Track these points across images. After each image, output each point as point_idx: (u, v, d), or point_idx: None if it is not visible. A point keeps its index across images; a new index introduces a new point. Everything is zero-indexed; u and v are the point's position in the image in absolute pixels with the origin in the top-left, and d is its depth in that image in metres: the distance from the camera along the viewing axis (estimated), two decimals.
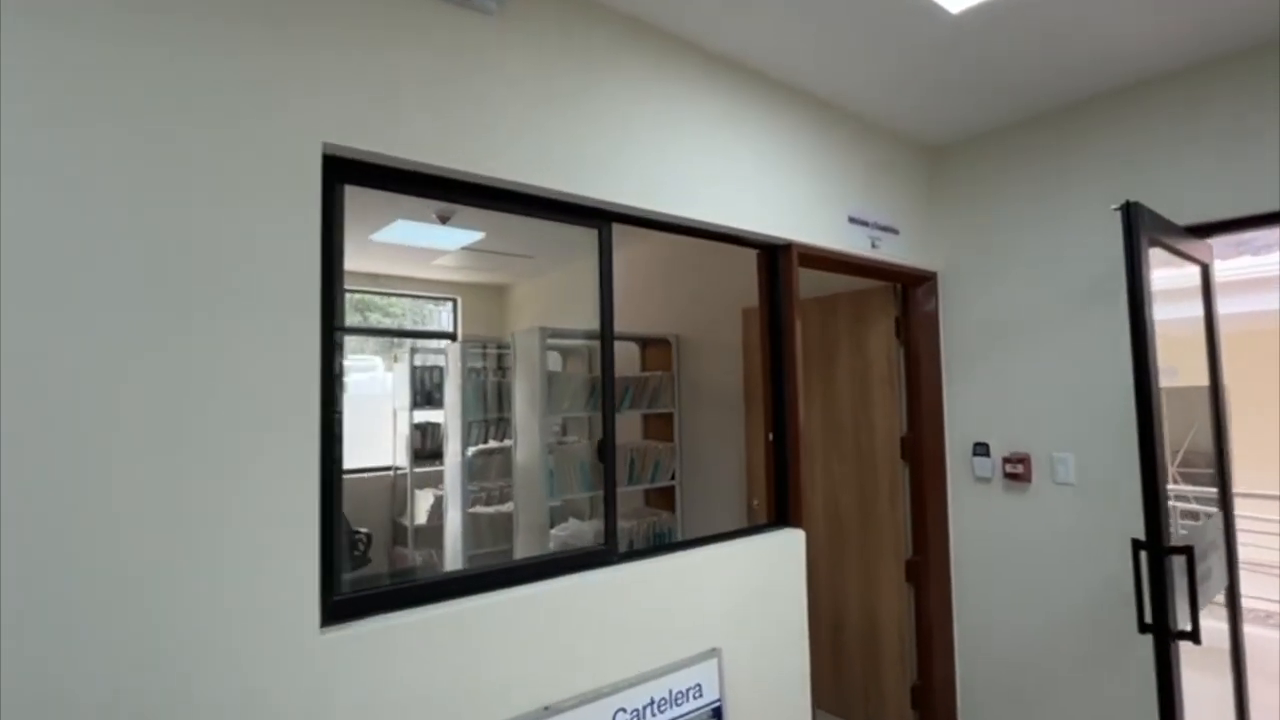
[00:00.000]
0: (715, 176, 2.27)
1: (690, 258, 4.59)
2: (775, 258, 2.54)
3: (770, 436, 2.51)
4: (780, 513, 2.49)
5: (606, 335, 2.08)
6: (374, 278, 6.02)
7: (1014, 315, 2.89)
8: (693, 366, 4.49)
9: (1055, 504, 2.77)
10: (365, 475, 5.89)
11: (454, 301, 6.60)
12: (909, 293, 3.23)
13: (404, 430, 5.77)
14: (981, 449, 2.99)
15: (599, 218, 2.05)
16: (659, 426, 4.73)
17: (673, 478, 4.52)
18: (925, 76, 2.49)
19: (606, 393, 2.08)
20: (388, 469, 5.97)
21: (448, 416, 5.06)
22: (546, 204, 1.93)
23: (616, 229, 2.09)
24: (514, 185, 1.82)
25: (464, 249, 5.05)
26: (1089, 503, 2.67)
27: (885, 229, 2.87)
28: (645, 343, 4.84)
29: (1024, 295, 2.86)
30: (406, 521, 5.69)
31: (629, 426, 5.23)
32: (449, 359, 5.09)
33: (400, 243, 4.69)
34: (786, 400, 2.47)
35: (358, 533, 5.18)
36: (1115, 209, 1.98)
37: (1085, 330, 2.67)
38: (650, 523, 4.41)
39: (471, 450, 4.96)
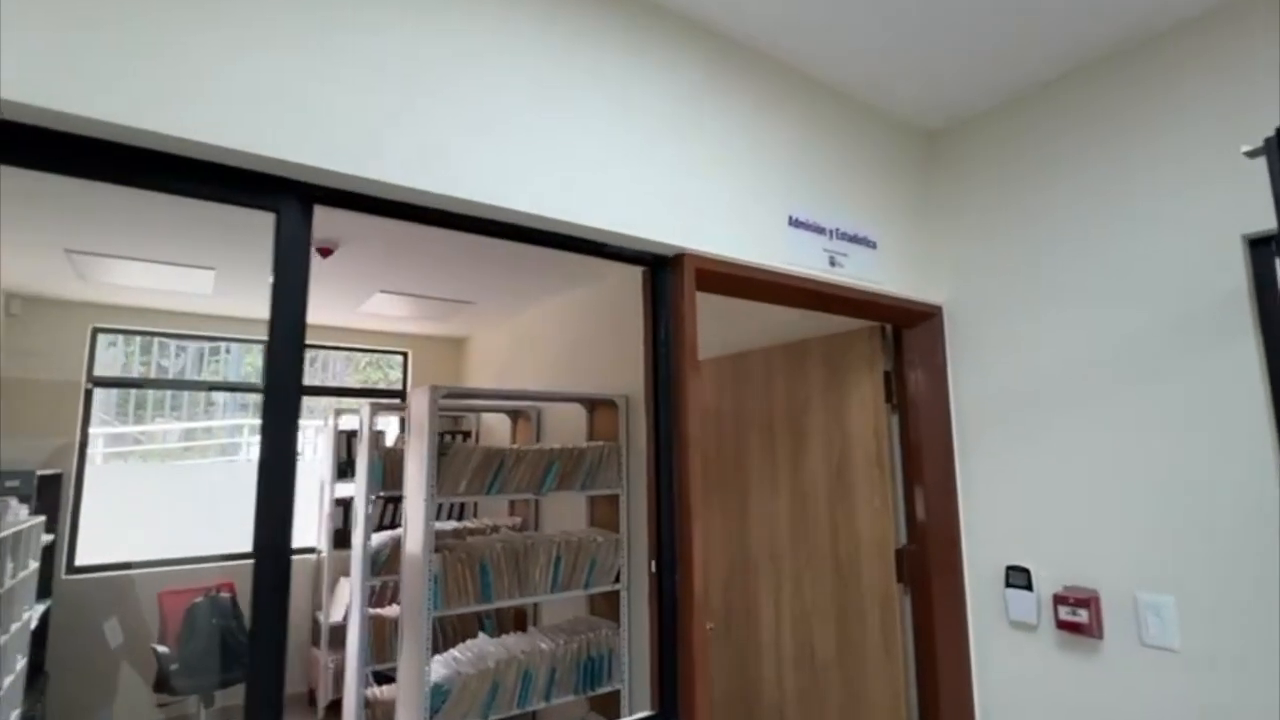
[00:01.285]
0: (554, 142, 1.39)
1: (636, 298, 3.68)
2: (659, 278, 1.61)
3: (653, 567, 1.53)
4: (665, 703, 1.47)
5: (279, 384, 1.17)
6: (328, 329, 5.27)
7: (1064, 367, 1.87)
8: (642, 433, 3.52)
9: (1145, 679, 1.67)
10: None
11: (404, 355, 5.81)
12: (902, 336, 2.24)
13: (328, 506, 4.91)
14: (1019, 577, 1.92)
15: (275, 193, 1.16)
16: (606, 511, 3.74)
17: (617, 579, 3.49)
18: (917, 18, 1.58)
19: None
20: (311, 550, 5.08)
21: (356, 492, 4.17)
22: (154, 163, 1.06)
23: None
24: (72, 126, 0.96)
25: (385, 293, 4.26)
26: (1205, 683, 1.57)
27: (853, 239, 1.92)
28: (593, 405, 3.90)
29: (1078, 335, 1.84)
30: (324, 617, 4.76)
31: (569, 511, 4.25)
32: (361, 422, 4.23)
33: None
34: (675, 513, 1.50)
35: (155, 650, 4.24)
36: (1249, 152, 1.00)
37: (1187, 386, 1.63)
38: (584, 642, 3.37)
39: (378, 536, 4.04)
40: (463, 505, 5.12)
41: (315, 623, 4.96)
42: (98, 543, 4.48)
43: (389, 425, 6.01)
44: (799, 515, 2.47)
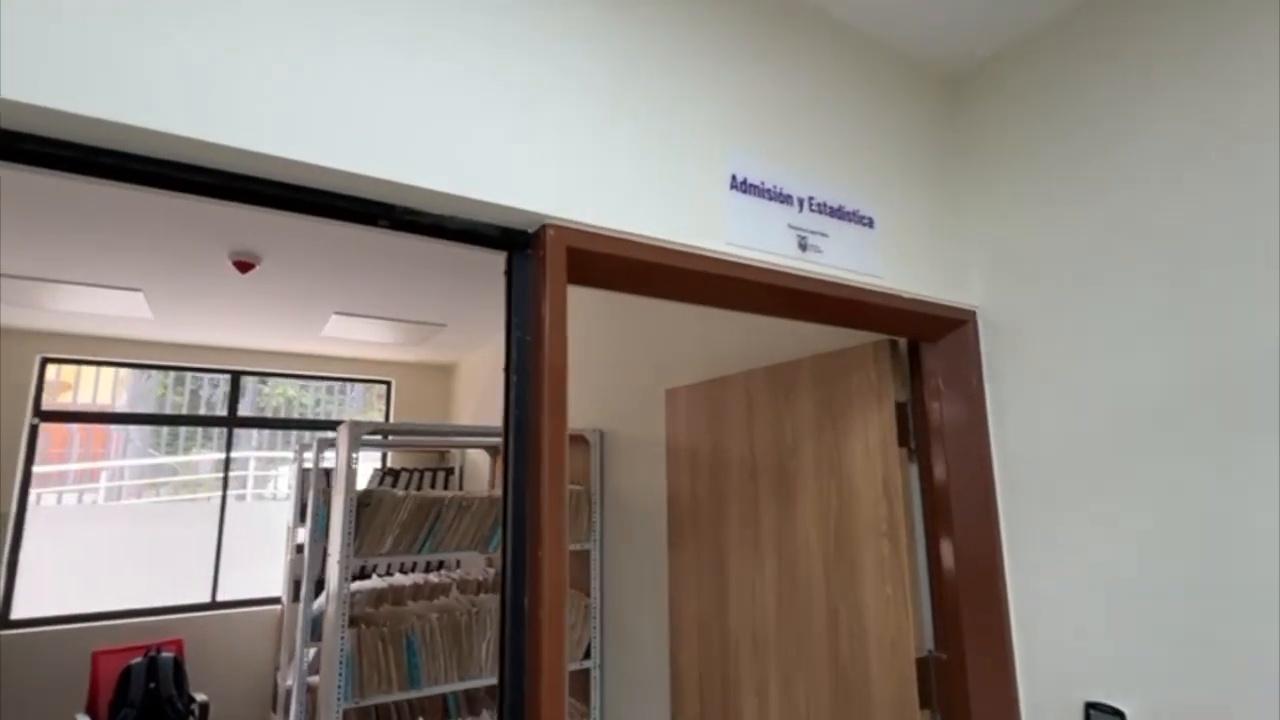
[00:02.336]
0: (336, 58, 0.86)
1: (619, 315, 3.14)
2: (514, 265, 1.04)
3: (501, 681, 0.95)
4: None
5: None
6: (280, 356, 4.89)
7: (1165, 396, 1.22)
8: (619, 476, 2.94)
9: None
10: (247, 609, 4.52)
11: (388, 385, 5.36)
12: (921, 354, 1.61)
13: (290, 553, 4.44)
14: None
15: None
16: (578, 570, 3.14)
17: (587, 655, 2.88)
18: None
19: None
20: (276, 601, 4.61)
21: (305, 538, 3.67)
22: None
23: None
24: None
25: (341, 315, 3.81)
26: None
27: (837, 214, 1.32)
28: (568, 441, 3.34)
29: (1187, 350, 1.19)
30: (281, 679, 4.26)
31: None
32: (312, 460, 3.74)
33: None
34: (527, 593, 0.93)
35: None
36: None
37: None
38: None
39: (319, 598, 3.52)
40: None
41: (276, 685, 4.47)
42: (40, 593, 4.10)
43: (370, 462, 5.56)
44: (788, 592, 1.84)
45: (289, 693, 4.20)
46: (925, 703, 1.50)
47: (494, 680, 2.65)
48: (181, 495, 9.59)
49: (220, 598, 4.49)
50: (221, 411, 4.85)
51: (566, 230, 1.02)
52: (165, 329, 4.11)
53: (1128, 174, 1.29)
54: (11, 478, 3.95)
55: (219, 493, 4.73)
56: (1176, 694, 1.15)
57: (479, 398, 4.87)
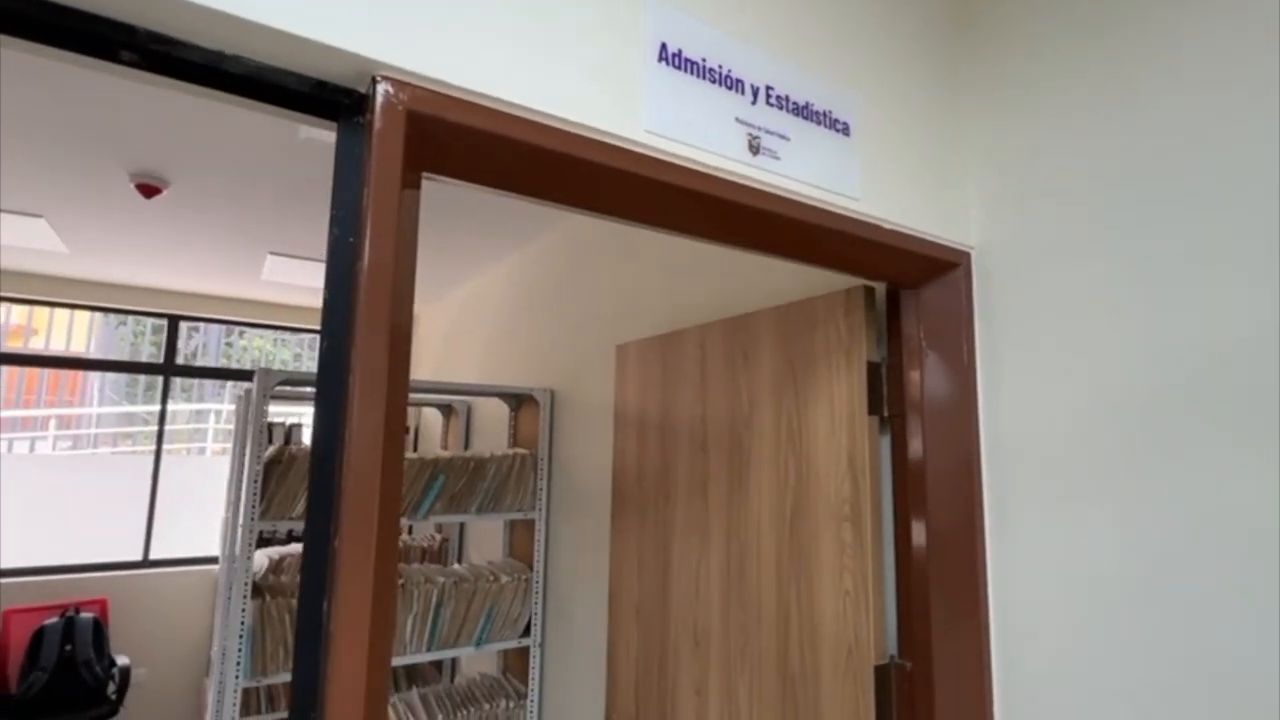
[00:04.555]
0: None
1: (577, 260, 2.86)
2: (342, 138, 0.74)
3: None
4: None
5: None
6: (221, 301, 4.55)
7: (1209, 366, 0.95)
8: (569, 439, 2.67)
9: None
10: (182, 569, 4.26)
11: None
12: (900, 304, 1.33)
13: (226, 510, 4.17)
14: None
15: None
16: (524, 540, 2.90)
17: (527, 632, 2.65)
18: None
19: None
20: (215, 560, 4.35)
21: (229, 500, 3.39)
22: None
23: None
24: None
25: (276, 255, 3.47)
26: None
27: (802, 112, 1.02)
28: (518, 401, 3.06)
29: (1246, 304, 0.92)
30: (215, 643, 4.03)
31: (489, 537, 3.43)
32: (240, 412, 3.44)
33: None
34: (327, 596, 0.65)
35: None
36: None
37: None
38: (477, 716, 2.53)
39: (268, 552, 3.27)
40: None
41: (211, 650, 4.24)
42: None
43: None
44: (736, 581, 1.59)
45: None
46: (884, 716, 1.26)
47: (417, 659, 2.42)
48: (141, 447, 9.24)
49: (154, 556, 4.22)
50: (182, 362, 4.53)
51: (410, 89, 0.72)
52: (86, 265, 3.75)
53: (1189, 79, 1.00)
54: None
55: (157, 446, 4.43)
56: None
57: (439, 354, 4.57)
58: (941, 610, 1.21)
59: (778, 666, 1.46)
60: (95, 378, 12.21)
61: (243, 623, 2.13)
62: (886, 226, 1.12)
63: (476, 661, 3.15)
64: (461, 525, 3.66)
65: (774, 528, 1.50)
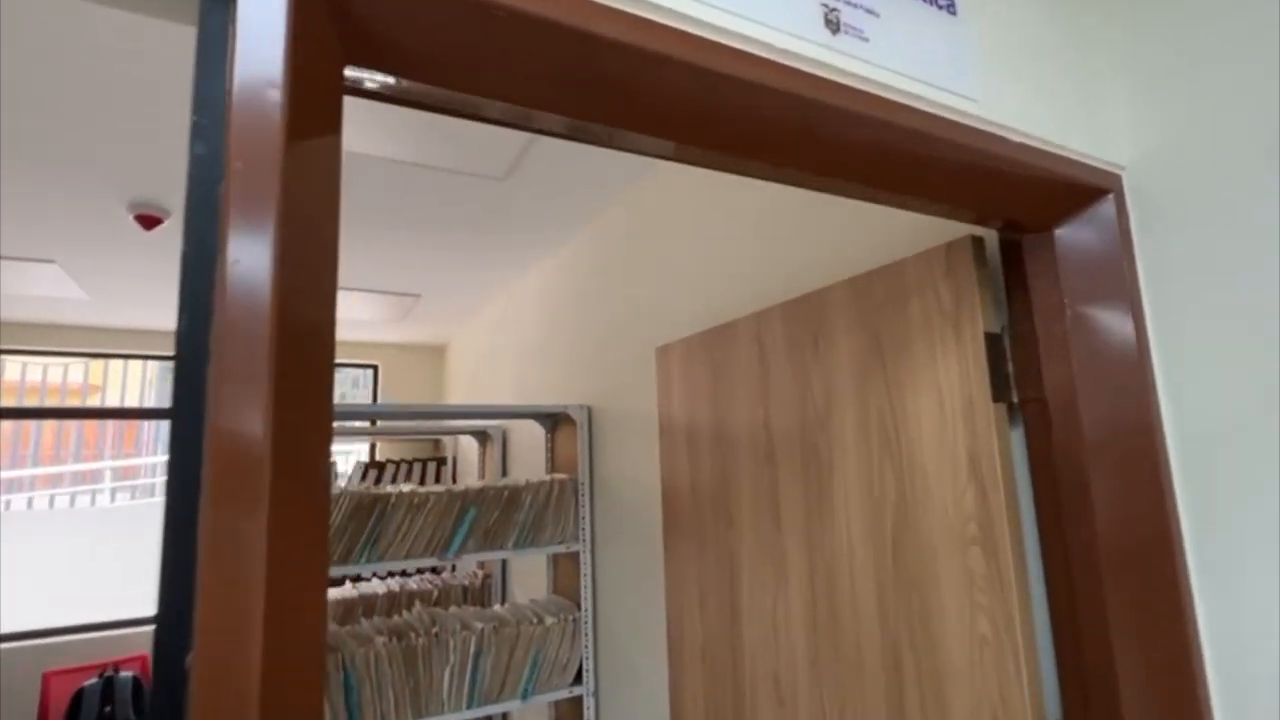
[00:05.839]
0: None
1: (608, 266, 2.61)
2: None
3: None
4: None
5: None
6: None
7: None
8: (612, 461, 2.39)
9: None
10: None
11: (374, 369, 4.90)
12: (1023, 254, 1.02)
13: None
14: None
15: None
16: (569, 574, 2.62)
17: (578, 680, 2.36)
18: None
19: None
20: None
21: None
22: None
23: None
24: None
25: None
26: None
27: None
28: (554, 423, 2.80)
29: None
30: None
31: (533, 571, 3.18)
32: None
33: None
34: (191, 648, 0.37)
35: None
36: None
37: None
38: None
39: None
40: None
41: None
42: None
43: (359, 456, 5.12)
44: (826, 622, 1.28)
45: None
46: None
47: (458, 717, 2.15)
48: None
49: None
50: None
51: None
52: (108, 312, 3.67)
53: None
54: None
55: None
56: None
57: (471, 378, 4.36)
58: (1131, 657, 0.88)
59: None
60: (151, 428, 12.52)
61: None
62: (1013, 139, 0.82)
63: (528, 716, 2.87)
64: (505, 561, 3.40)
65: (871, 556, 1.19)
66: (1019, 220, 0.97)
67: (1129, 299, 0.90)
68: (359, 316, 4.02)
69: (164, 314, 3.78)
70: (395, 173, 2.17)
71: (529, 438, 3.18)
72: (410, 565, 2.18)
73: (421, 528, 2.19)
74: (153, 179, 2.18)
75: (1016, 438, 1.04)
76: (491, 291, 3.68)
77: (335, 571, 2.04)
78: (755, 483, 1.47)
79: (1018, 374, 1.02)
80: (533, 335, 3.24)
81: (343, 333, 4.54)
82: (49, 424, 11.80)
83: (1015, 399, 1.02)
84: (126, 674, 3.48)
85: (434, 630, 2.18)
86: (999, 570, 0.98)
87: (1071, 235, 0.96)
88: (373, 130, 1.88)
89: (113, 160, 2.03)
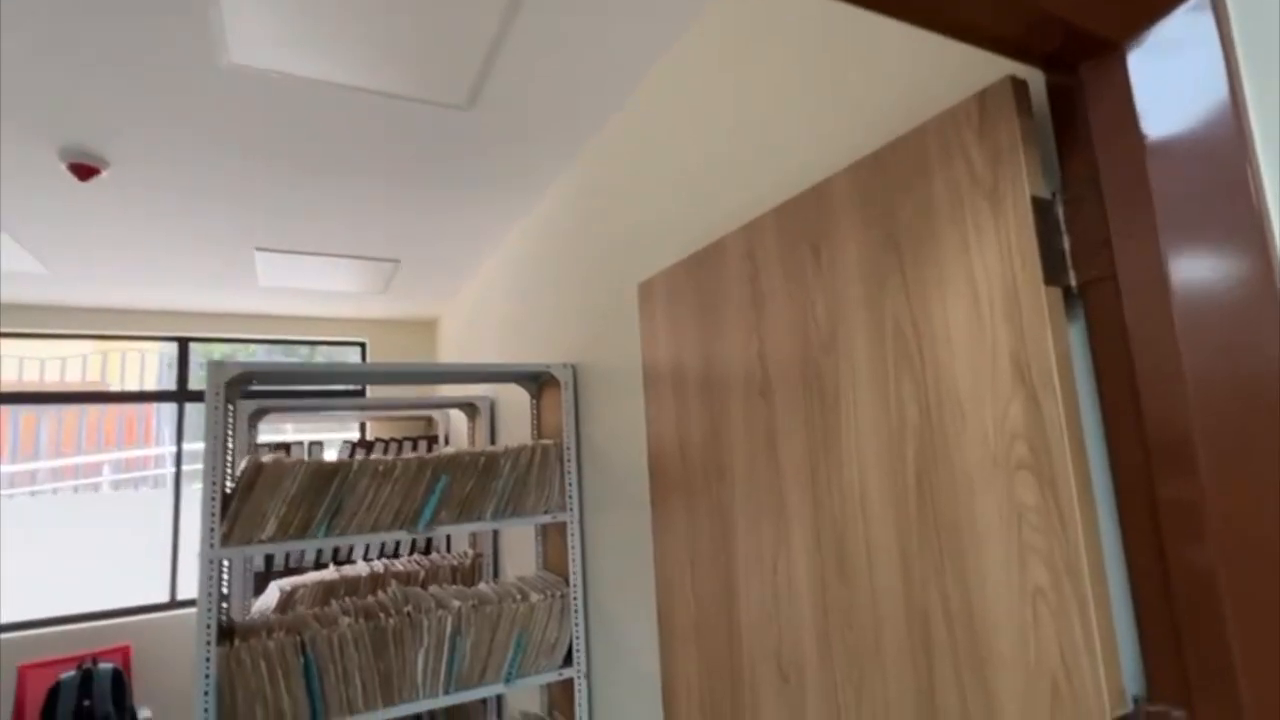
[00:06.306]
0: None
1: (580, 209, 2.38)
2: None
3: None
4: None
5: None
6: (232, 318, 4.27)
7: None
8: (601, 422, 2.17)
9: None
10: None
11: (361, 346, 4.71)
12: (1085, 93, 0.78)
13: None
14: None
15: None
16: (557, 548, 2.41)
17: (568, 660, 2.16)
18: None
19: None
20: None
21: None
22: None
23: None
24: None
25: (264, 251, 3.11)
26: None
27: None
28: (538, 385, 2.59)
29: None
30: None
31: (520, 543, 2.98)
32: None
33: None
34: None
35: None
36: None
37: None
38: None
39: (284, 582, 2.92)
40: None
41: None
42: None
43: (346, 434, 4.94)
44: (834, 583, 1.06)
45: None
46: None
47: (434, 704, 1.96)
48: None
49: (182, 596, 3.94)
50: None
51: None
52: (74, 289, 3.49)
53: None
54: None
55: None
56: None
57: (460, 349, 4.16)
58: (1253, 622, 0.65)
59: (919, 715, 0.92)
60: (159, 419, 12.46)
61: (207, 675, 1.70)
62: None
63: (521, 696, 2.68)
64: (495, 536, 3.21)
65: (889, 498, 0.96)
66: (1082, 28, 0.73)
67: (1239, 126, 0.66)
68: (340, 288, 3.82)
69: (142, 292, 3.59)
70: (354, 105, 1.94)
71: (516, 407, 2.97)
72: (377, 540, 1.98)
73: (389, 497, 1.98)
74: (82, 121, 1.97)
75: (1075, 332, 0.81)
76: (477, 259, 3.46)
77: (291, 546, 1.84)
78: (748, 424, 1.25)
79: (1075, 248, 0.78)
80: (517, 297, 3.02)
81: (325, 308, 4.34)
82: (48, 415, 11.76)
83: (1073, 281, 0.79)
84: (106, 666, 3.33)
85: (405, 609, 1.98)
86: (1057, 502, 0.75)
87: (1150, 50, 0.72)
88: (322, 54, 1.65)
89: (35, 97, 1.82)
